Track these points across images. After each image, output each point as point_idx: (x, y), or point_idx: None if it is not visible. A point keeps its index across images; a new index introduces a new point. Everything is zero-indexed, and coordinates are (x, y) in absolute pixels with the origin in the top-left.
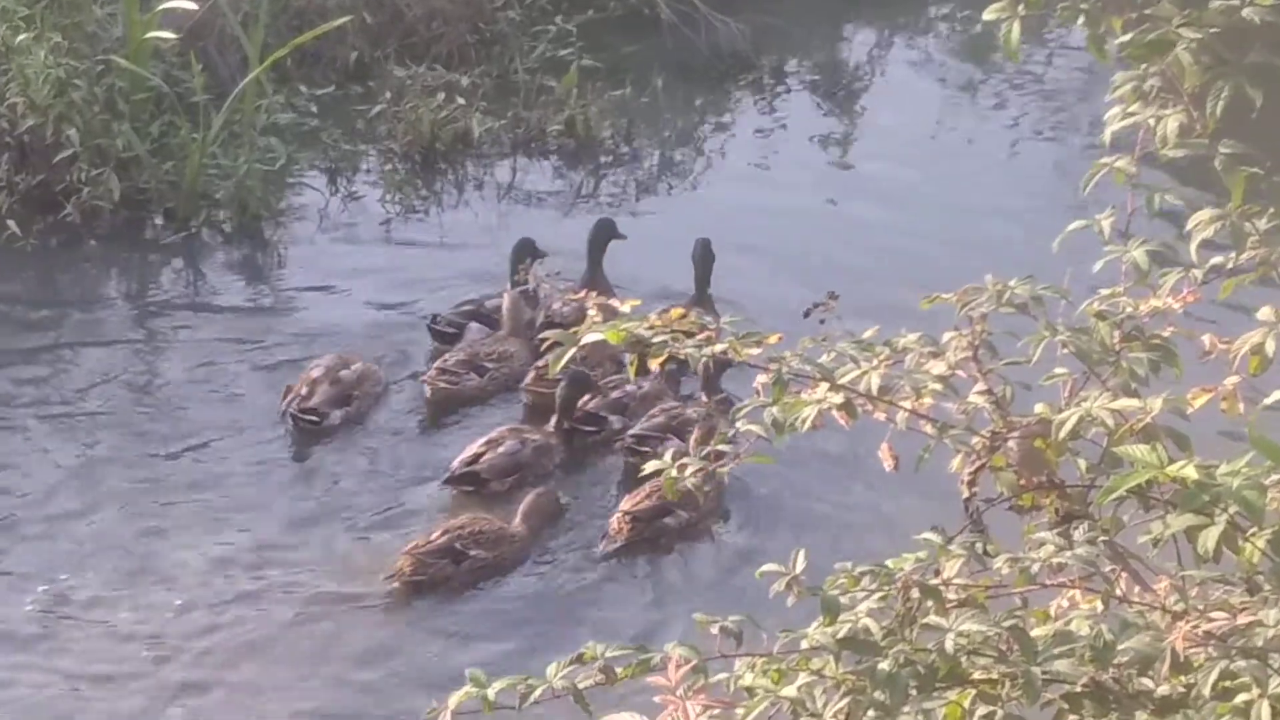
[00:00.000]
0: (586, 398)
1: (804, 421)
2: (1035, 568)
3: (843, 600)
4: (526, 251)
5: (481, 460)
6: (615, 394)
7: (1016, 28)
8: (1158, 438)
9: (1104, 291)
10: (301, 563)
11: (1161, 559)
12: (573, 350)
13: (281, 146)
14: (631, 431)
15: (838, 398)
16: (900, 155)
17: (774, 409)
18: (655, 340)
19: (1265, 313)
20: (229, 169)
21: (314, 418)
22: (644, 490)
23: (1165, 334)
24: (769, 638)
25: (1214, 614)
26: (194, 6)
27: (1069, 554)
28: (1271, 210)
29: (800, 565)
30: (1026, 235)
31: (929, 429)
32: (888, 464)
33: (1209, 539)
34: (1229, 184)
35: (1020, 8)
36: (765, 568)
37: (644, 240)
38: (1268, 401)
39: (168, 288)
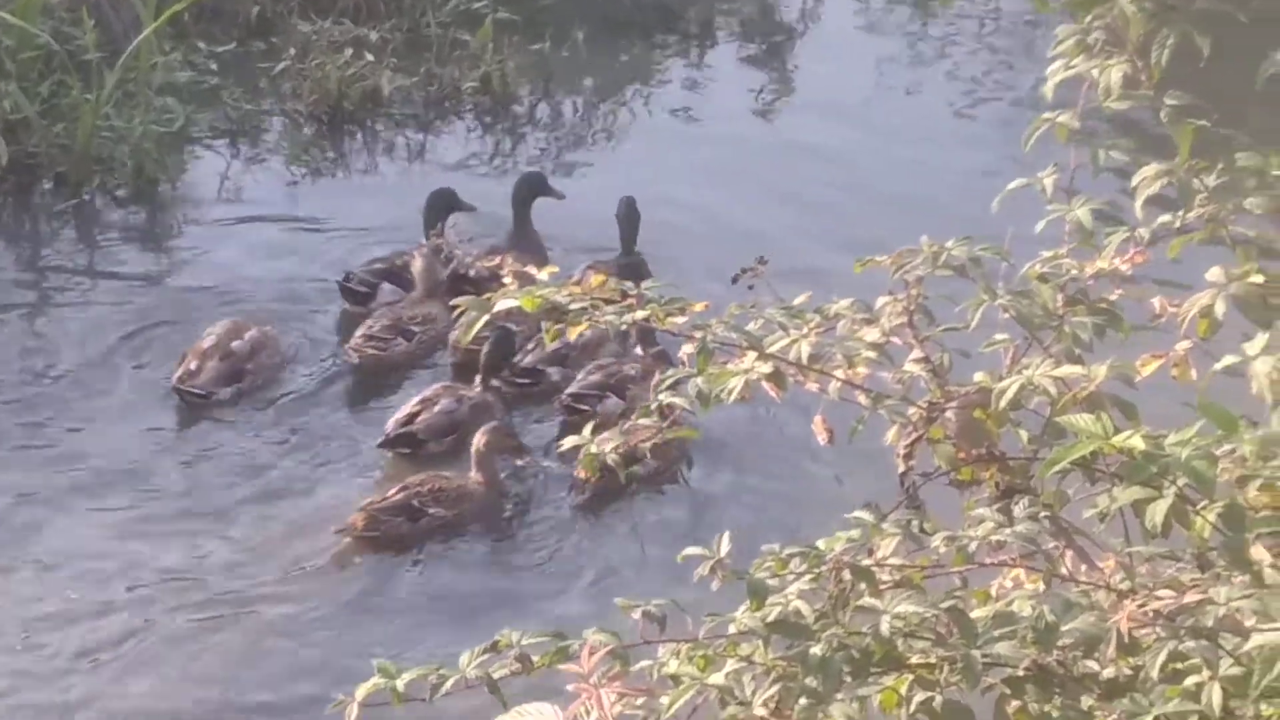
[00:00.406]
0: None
1: (730, 393)
2: (974, 546)
3: (771, 583)
4: (444, 202)
5: (417, 420)
6: (553, 346)
7: None
8: (1103, 406)
9: (1046, 253)
10: (217, 542)
11: (1108, 535)
12: (485, 318)
13: (179, 107)
14: (568, 390)
15: (766, 367)
16: (834, 111)
17: (699, 380)
18: (573, 308)
19: (1214, 273)
20: (123, 131)
21: (199, 393)
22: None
23: (1112, 297)
24: (695, 623)
25: (1162, 592)
26: None
27: (1010, 531)
28: (1220, 165)
29: (725, 548)
30: (965, 194)
31: (863, 399)
32: (821, 437)
33: (1157, 513)
34: (1175, 137)
35: None
36: (687, 551)
37: (568, 199)
38: (1218, 366)
39: (59, 256)
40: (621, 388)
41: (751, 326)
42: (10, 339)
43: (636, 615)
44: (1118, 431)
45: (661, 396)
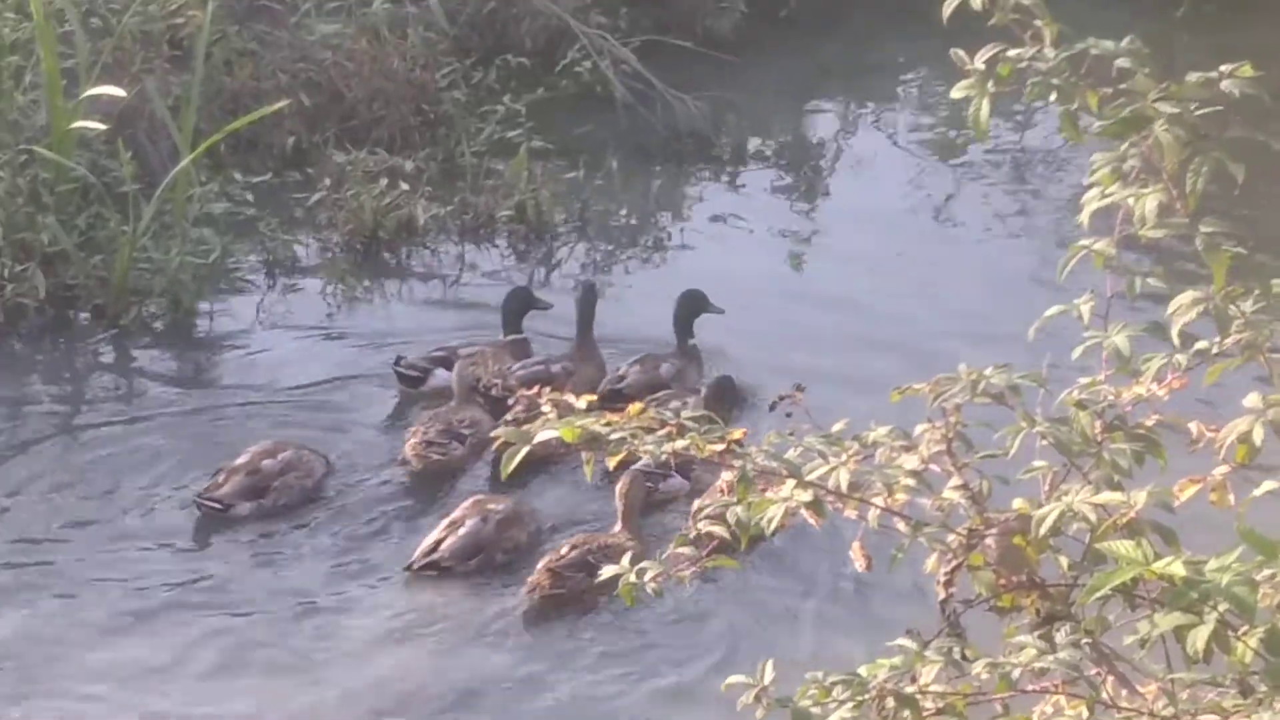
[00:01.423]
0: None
1: (770, 521)
2: (1016, 672)
3: (815, 711)
4: (522, 303)
5: (442, 546)
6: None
7: (986, 105)
8: (1143, 533)
9: (1084, 380)
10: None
11: (1149, 661)
12: (525, 449)
13: (215, 238)
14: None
15: (806, 495)
16: (869, 237)
17: (739, 508)
18: (613, 438)
19: (1252, 400)
20: (160, 262)
21: (216, 505)
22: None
23: (1150, 423)
24: None
25: (1205, 718)
26: (121, 93)
27: (1051, 657)
28: (1257, 291)
29: (769, 676)
30: (1002, 320)
31: (902, 527)
32: (860, 564)
33: (1199, 638)
34: (1211, 265)
35: (990, 84)
36: (731, 680)
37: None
38: (1258, 492)
39: (97, 388)
40: (686, 469)
41: (790, 454)
42: (49, 469)
43: None
44: (1158, 557)
45: (700, 524)
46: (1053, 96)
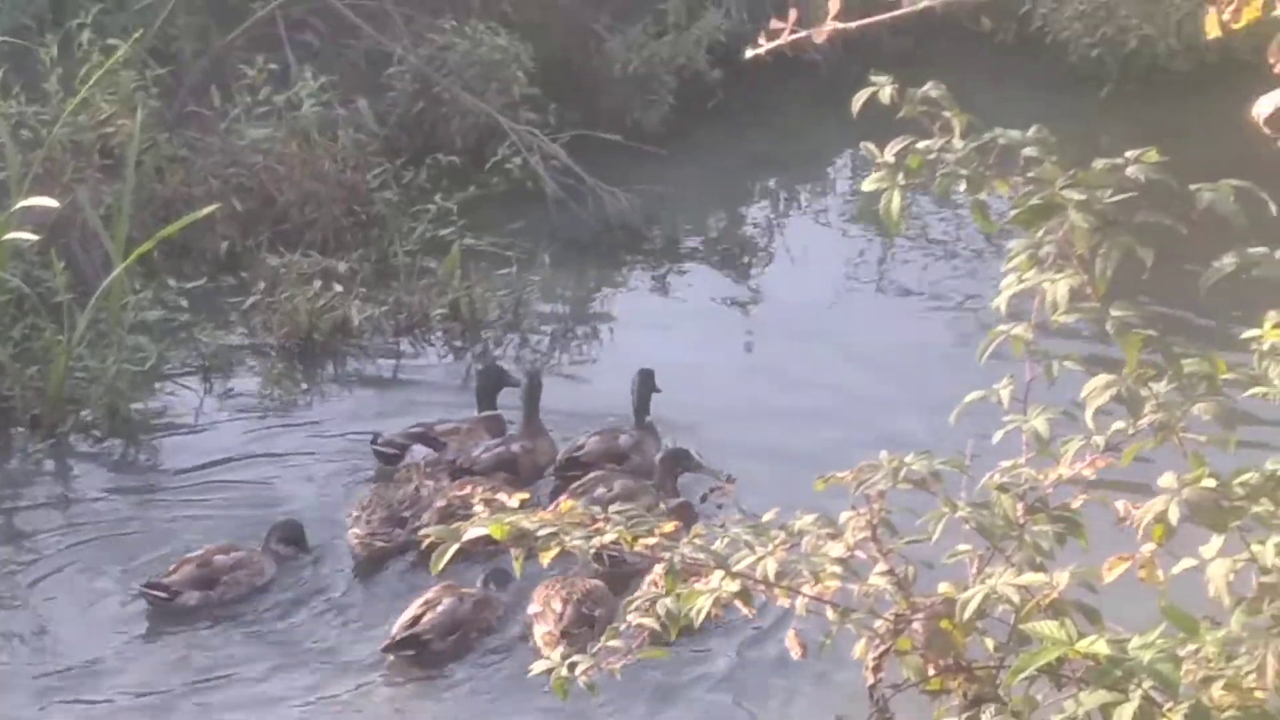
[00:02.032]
0: (581, 442)
1: (699, 612)
2: None
3: None
4: (494, 381)
5: (422, 621)
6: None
7: (897, 198)
8: (1066, 612)
9: (1005, 463)
10: None
11: None
12: (455, 547)
13: (151, 345)
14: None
15: (734, 585)
16: (799, 326)
17: (668, 600)
18: (541, 534)
19: (1167, 479)
20: (96, 371)
21: (162, 594)
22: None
23: (1076, 503)
24: None
25: None
26: (53, 203)
27: None
28: (1170, 373)
29: None
30: (926, 406)
31: (831, 614)
32: (795, 652)
33: (1124, 715)
34: (1122, 348)
35: (900, 178)
36: None
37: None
38: (1176, 570)
39: (35, 498)
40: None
41: (718, 545)
42: None
43: None
44: (1082, 636)
45: (631, 617)
46: (963, 187)
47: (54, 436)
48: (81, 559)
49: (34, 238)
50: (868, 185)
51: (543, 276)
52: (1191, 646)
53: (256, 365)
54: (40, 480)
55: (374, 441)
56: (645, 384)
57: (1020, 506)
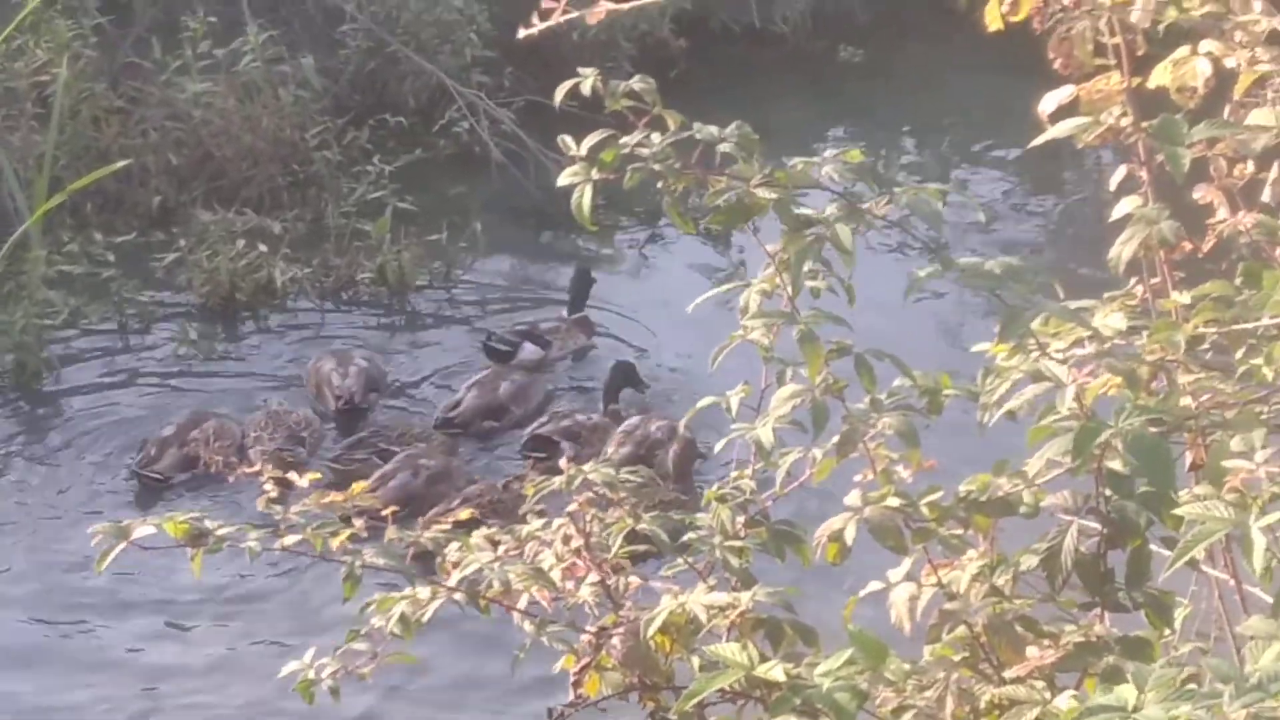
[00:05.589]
0: (543, 419)
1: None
2: None
3: None
4: (585, 280)
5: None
6: (566, 422)
7: (588, 193)
8: (750, 635)
9: (733, 474)
10: None
11: None
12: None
13: (62, 300)
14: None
15: (459, 596)
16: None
17: (402, 604)
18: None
19: (852, 498)
20: (4, 325)
21: (158, 476)
22: None
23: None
24: None
25: None
26: None
27: None
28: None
29: None
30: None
31: (528, 626)
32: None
33: None
34: (805, 357)
35: (594, 172)
36: None
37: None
38: (862, 593)
39: None
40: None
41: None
42: None
43: None
44: (764, 660)
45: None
46: (659, 185)
47: None
48: None
49: None
50: (562, 180)
51: (473, 243)
52: (881, 673)
53: (175, 324)
54: None
55: (488, 339)
56: (621, 374)
57: (741, 518)
